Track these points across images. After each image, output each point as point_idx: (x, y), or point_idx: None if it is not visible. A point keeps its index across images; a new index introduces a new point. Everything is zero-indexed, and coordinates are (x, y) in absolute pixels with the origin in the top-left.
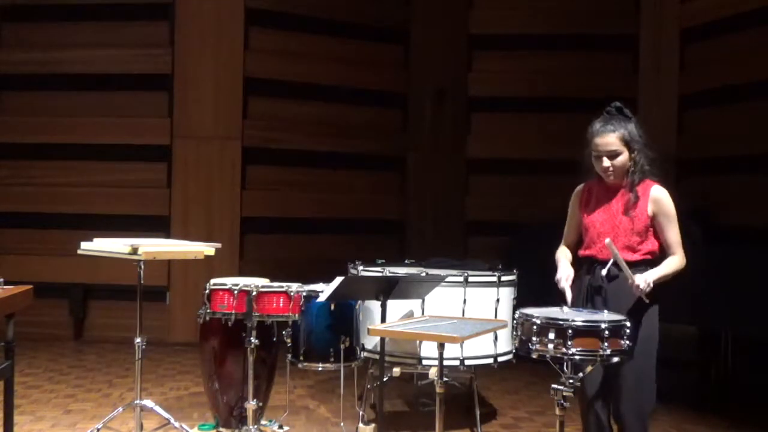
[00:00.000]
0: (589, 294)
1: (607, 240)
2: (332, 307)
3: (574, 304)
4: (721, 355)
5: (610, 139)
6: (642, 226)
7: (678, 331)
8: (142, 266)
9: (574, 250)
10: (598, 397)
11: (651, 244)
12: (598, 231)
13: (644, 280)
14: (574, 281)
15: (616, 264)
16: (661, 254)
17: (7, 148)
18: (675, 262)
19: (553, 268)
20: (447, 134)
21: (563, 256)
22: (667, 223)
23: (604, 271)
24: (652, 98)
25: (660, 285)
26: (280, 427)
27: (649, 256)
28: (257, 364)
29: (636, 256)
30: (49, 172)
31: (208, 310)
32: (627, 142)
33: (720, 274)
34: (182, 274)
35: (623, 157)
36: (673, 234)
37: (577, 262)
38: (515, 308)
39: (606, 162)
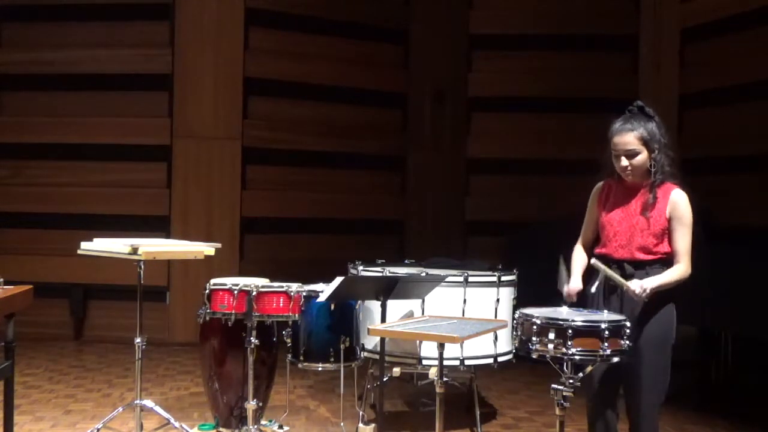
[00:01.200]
0: (605, 292)
1: (593, 260)
2: (332, 307)
3: (591, 303)
4: (721, 355)
5: (628, 138)
6: (659, 228)
7: (678, 331)
8: (142, 266)
9: (591, 247)
10: (608, 397)
11: (667, 246)
12: (614, 230)
13: (640, 286)
14: (589, 279)
15: (606, 279)
16: (673, 256)
17: (7, 148)
18: (677, 272)
19: (554, 266)
20: (447, 134)
21: (578, 263)
22: (680, 228)
23: (593, 288)
24: (652, 98)
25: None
26: (280, 427)
27: (665, 257)
28: (257, 364)
29: (650, 257)
30: (49, 172)
31: (208, 310)
32: (646, 142)
33: (720, 274)
34: (182, 274)
35: (642, 157)
36: (682, 241)
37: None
38: (515, 308)
39: (624, 161)
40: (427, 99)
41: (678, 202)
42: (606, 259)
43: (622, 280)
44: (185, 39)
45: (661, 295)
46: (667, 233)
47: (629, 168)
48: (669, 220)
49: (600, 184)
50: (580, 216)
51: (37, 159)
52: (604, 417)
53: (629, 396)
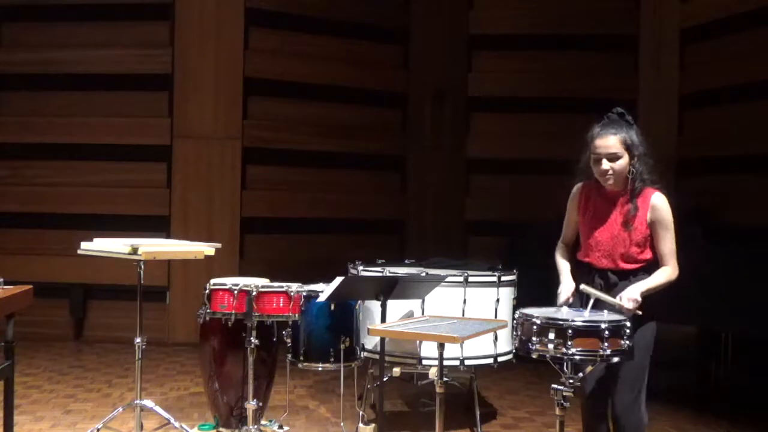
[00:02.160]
0: (589, 300)
1: (582, 286)
2: (332, 307)
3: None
4: (721, 355)
5: (611, 141)
6: (641, 236)
7: (678, 331)
8: (142, 266)
9: (572, 247)
10: (598, 396)
11: (649, 253)
12: (596, 240)
13: (630, 299)
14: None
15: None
16: (656, 261)
17: (7, 148)
18: (664, 274)
19: (553, 267)
20: (447, 134)
21: (563, 263)
22: (662, 231)
23: (586, 313)
24: (652, 98)
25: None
26: (280, 427)
27: (645, 264)
28: (257, 364)
29: (635, 265)
30: (49, 172)
31: (208, 310)
32: (628, 146)
33: (720, 274)
34: (182, 274)
35: (623, 161)
36: (666, 244)
37: (575, 264)
38: (515, 308)
39: (605, 164)
40: (427, 99)
41: (658, 206)
42: (589, 268)
43: (613, 300)
44: (185, 39)
45: (644, 306)
46: (648, 240)
47: (610, 172)
48: (650, 225)
49: (578, 186)
50: None
51: (37, 159)
52: (598, 415)
53: (612, 403)
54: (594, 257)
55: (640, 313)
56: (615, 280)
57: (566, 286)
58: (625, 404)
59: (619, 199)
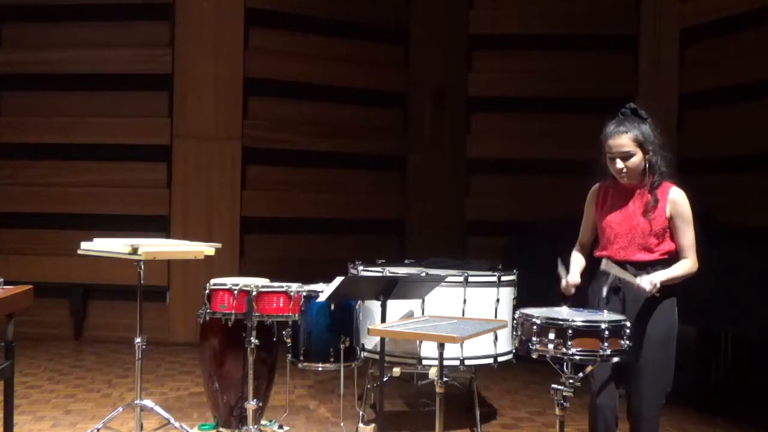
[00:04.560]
0: (607, 294)
1: (604, 261)
2: (332, 307)
3: (593, 305)
4: (721, 355)
5: (623, 141)
6: (660, 227)
7: (678, 331)
8: (142, 266)
9: (588, 248)
10: (607, 395)
11: (668, 245)
12: (615, 232)
13: (650, 281)
14: (591, 281)
15: (614, 279)
16: (677, 254)
17: (7, 148)
18: (686, 265)
19: (553, 267)
20: (447, 134)
21: (577, 257)
22: (682, 225)
23: (604, 292)
24: (651, 98)
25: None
26: (280, 427)
27: (666, 256)
28: (257, 364)
29: (654, 256)
30: (49, 172)
31: (208, 310)
32: (640, 143)
33: (720, 274)
34: (182, 274)
35: (637, 159)
36: (687, 237)
37: (593, 262)
38: (515, 308)
39: (619, 164)
40: (427, 99)
41: (677, 200)
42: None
43: (633, 278)
44: (185, 39)
45: (663, 290)
46: (667, 232)
47: (624, 170)
48: (670, 219)
49: (596, 186)
50: (580, 216)
51: (37, 159)
52: (605, 416)
53: (631, 396)
54: (612, 250)
55: (657, 294)
56: (633, 272)
57: (572, 276)
58: (649, 407)
59: (637, 191)
